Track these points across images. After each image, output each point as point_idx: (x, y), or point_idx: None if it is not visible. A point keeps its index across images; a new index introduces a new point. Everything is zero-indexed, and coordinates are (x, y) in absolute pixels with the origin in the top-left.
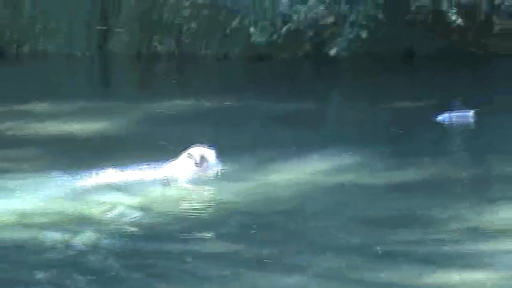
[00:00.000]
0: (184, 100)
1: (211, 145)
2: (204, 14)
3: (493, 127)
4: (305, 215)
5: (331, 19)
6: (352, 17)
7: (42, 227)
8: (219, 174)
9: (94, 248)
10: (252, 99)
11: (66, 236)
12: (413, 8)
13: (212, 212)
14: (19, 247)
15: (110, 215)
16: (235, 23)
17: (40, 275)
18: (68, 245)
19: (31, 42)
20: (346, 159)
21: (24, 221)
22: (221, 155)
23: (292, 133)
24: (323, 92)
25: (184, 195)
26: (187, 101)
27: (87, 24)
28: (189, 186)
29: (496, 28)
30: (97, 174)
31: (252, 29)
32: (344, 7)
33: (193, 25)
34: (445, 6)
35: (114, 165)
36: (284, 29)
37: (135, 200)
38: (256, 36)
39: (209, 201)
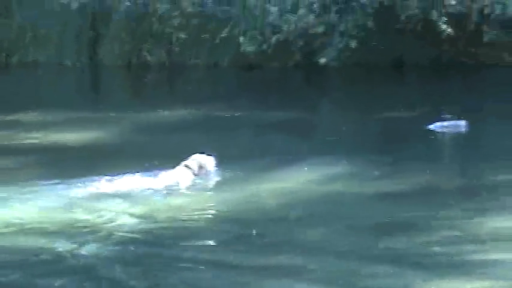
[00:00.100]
0: (175, 110)
1: (210, 153)
2: (193, 24)
3: (484, 136)
4: (298, 222)
5: (321, 29)
6: (341, 27)
7: (41, 235)
8: (218, 182)
9: (93, 256)
10: (243, 109)
11: (66, 245)
12: (403, 18)
13: (210, 220)
14: (18, 256)
15: (109, 223)
16: (225, 32)
17: (40, 283)
18: (67, 254)
19: (21, 52)
20: (338, 167)
21: (22, 230)
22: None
23: (283, 142)
24: (313, 101)
25: (183, 203)
26: (178, 110)
27: (78, 35)
28: (188, 194)
29: (486, 38)
30: (94, 183)
31: (241, 39)
32: (334, 17)
33: (183, 35)
34: (434, 15)
35: (110, 174)
36: (274, 38)
37: (134, 209)
38: (246, 45)
39: (207, 210)
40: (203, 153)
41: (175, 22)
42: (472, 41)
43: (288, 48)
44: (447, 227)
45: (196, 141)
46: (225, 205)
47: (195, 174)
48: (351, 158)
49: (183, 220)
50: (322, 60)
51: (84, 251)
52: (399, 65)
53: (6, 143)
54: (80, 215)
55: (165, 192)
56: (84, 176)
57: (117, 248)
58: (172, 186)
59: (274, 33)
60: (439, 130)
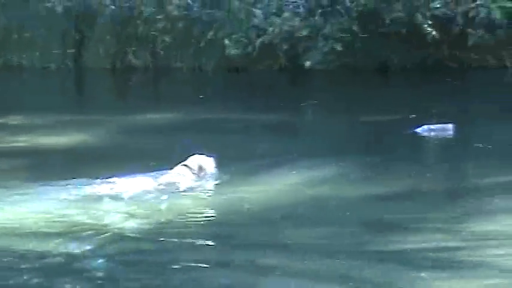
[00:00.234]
0: (161, 112)
1: (210, 154)
2: (178, 27)
3: (472, 139)
4: (292, 223)
5: (305, 32)
6: (326, 30)
7: (38, 236)
8: (218, 183)
9: (92, 257)
10: (228, 111)
11: (64, 246)
12: (388, 21)
13: (208, 221)
14: (11, 259)
15: (108, 223)
16: (209, 35)
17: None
18: (66, 254)
19: (5, 56)
20: (326, 170)
21: (13, 233)
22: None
23: (270, 144)
24: (299, 105)
25: (183, 204)
26: (164, 113)
27: (63, 38)
28: (189, 195)
29: (471, 41)
30: (91, 184)
31: (226, 42)
32: (319, 20)
33: (167, 38)
34: (419, 19)
35: (107, 176)
36: (259, 41)
37: (134, 209)
38: (231, 48)
39: (205, 210)
40: (202, 153)
41: (160, 25)
42: (457, 44)
43: (273, 51)
44: (434, 229)
45: (183, 144)
46: (224, 206)
47: (195, 174)
48: (338, 160)
49: (183, 220)
50: (307, 64)
51: (82, 252)
52: (384, 68)
53: None
54: (77, 216)
55: (166, 192)
56: (75, 177)
57: (116, 248)
58: (173, 186)
59: (259, 36)
60: (426, 133)
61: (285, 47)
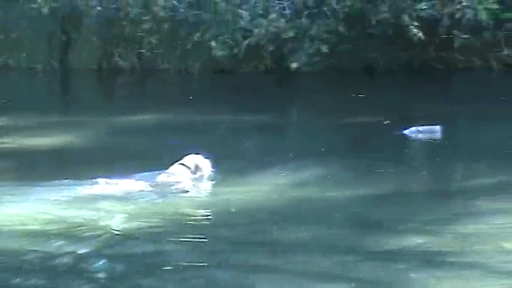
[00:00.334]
0: (147, 114)
1: (206, 154)
2: (165, 28)
3: (458, 141)
4: (277, 224)
5: (292, 33)
6: (313, 31)
7: (35, 236)
8: (213, 183)
9: (89, 256)
10: (215, 113)
11: (61, 245)
12: (374, 22)
13: (201, 220)
14: (7, 257)
15: (104, 222)
16: (196, 37)
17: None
18: (63, 254)
19: None
20: (314, 171)
21: (8, 232)
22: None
23: (258, 145)
24: (285, 106)
25: (178, 203)
26: (150, 114)
27: (49, 39)
28: (183, 195)
29: (457, 42)
30: (84, 184)
31: (213, 43)
32: (305, 21)
33: (154, 39)
34: (406, 20)
35: (96, 176)
36: (245, 43)
37: (128, 209)
38: (217, 50)
39: (200, 210)
40: (198, 154)
41: (147, 26)
42: (443, 45)
43: (259, 52)
44: (421, 229)
45: (171, 144)
46: (218, 206)
47: (192, 174)
48: (327, 162)
49: (179, 220)
50: (294, 65)
51: (79, 252)
52: (370, 69)
53: None
54: (73, 217)
55: (162, 191)
56: (65, 178)
57: (112, 248)
58: (169, 186)
59: (245, 37)
60: (414, 135)
61: (271, 48)
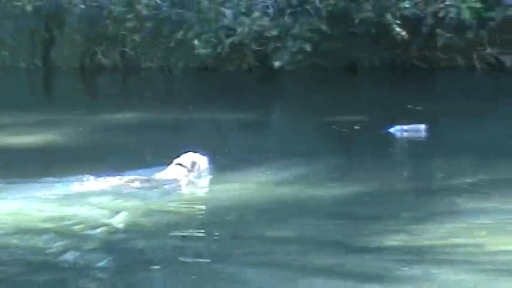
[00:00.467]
0: (130, 112)
1: (203, 152)
2: (148, 26)
3: (442, 139)
4: (268, 220)
5: (275, 32)
6: (296, 30)
7: (27, 233)
8: (208, 180)
9: (88, 253)
10: (198, 111)
11: (60, 242)
12: (357, 21)
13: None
14: (11, 252)
15: (101, 220)
16: (179, 35)
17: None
18: (61, 250)
19: None
20: (299, 169)
21: (6, 227)
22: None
23: (240, 143)
24: (268, 104)
25: (175, 200)
26: (133, 112)
27: (32, 37)
28: (180, 192)
29: (440, 41)
30: (80, 182)
31: (196, 42)
32: (288, 20)
33: (137, 37)
34: (389, 19)
35: (82, 174)
36: (228, 41)
37: (124, 206)
38: (200, 48)
39: (204, 206)
40: (196, 152)
41: (130, 25)
42: (426, 44)
43: (242, 51)
44: (404, 227)
45: (156, 143)
46: (210, 203)
47: (189, 171)
48: (312, 160)
49: (175, 217)
50: (277, 63)
51: (78, 249)
52: (354, 68)
53: None
54: (68, 213)
55: (160, 189)
56: (51, 176)
57: (108, 243)
58: (165, 183)
59: (228, 36)
60: (399, 134)
61: (254, 47)
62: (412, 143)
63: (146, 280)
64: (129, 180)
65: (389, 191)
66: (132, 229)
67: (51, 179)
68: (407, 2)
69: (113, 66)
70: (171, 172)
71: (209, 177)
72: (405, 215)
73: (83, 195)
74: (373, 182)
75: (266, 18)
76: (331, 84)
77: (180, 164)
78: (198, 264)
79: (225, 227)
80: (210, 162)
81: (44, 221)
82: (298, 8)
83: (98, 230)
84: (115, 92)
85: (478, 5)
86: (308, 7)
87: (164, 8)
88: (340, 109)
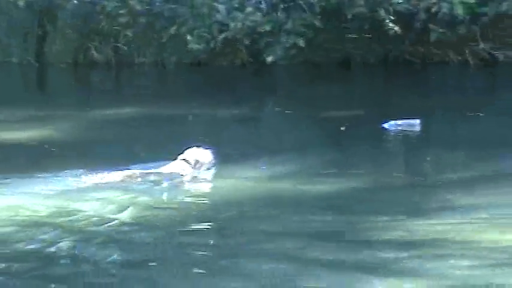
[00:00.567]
0: (125, 107)
1: (208, 147)
2: (141, 22)
3: (436, 134)
4: (246, 221)
5: (268, 27)
6: (289, 25)
7: (28, 226)
8: (215, 175)
9: (92, 247)
10: (191, 106)
11: (65, 236)
12: (350, 16)
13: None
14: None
15: (105, 215)
16: (172, 30)
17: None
18: (66, 245)
19: None
20: (290, 164)
21: (4, 222)
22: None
23: (233, 138)
24: (262, 100)
25: (178, 195)
26: (127, 108)
27: (25, 32)
28: (184, 186)
29: (433, 36)
30: (83, 176)
31: (189, 37)
32: (281, 15)
33: (130, 33)
34: (382, 14)
35: (83, 169)
36: (221, 36)
37: (128, 201)
38: (193, 43)
39: (202, 201)
40: (200, 146)
41: (123, 20)
42: (419, 39)
43: (235, 46)
44: (399, 221)
45: (151, 138)
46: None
47: (193, 168)
48: (306, 155)
49: (184, 212)
50: (270, 59)
51: (82, 244)
52: (347, 63)
53: None
54: (74, 208)
55: (164, 185)
56: (48, 171)
57: (115, 239)
58: (171, 179)
59: (221, 31)
60: (394, 128)
61: (247, 42)
62: (406, 138)
63: (150, 274)
64: (133, 175)
65: (384, 186)
66: (136, 224)
67: (51, 174)
68: None
69: (106, 62)
70: (175, 167)
71: (213, 171)
72: (400, 209)
73: (87, 190)
74: (368, 176)
75: (259, 14)
76: (324, 79)
77: (184, 160)
78: (201, 258)
79: (226, 221)
80: (215, 156)
81: (49, 216)
82: (291, 3)
83: (102, 225)
84: (109, 87)
85: (471, 0)
86: (301, 2)
87: (157, 3)
88: (333, 104)
